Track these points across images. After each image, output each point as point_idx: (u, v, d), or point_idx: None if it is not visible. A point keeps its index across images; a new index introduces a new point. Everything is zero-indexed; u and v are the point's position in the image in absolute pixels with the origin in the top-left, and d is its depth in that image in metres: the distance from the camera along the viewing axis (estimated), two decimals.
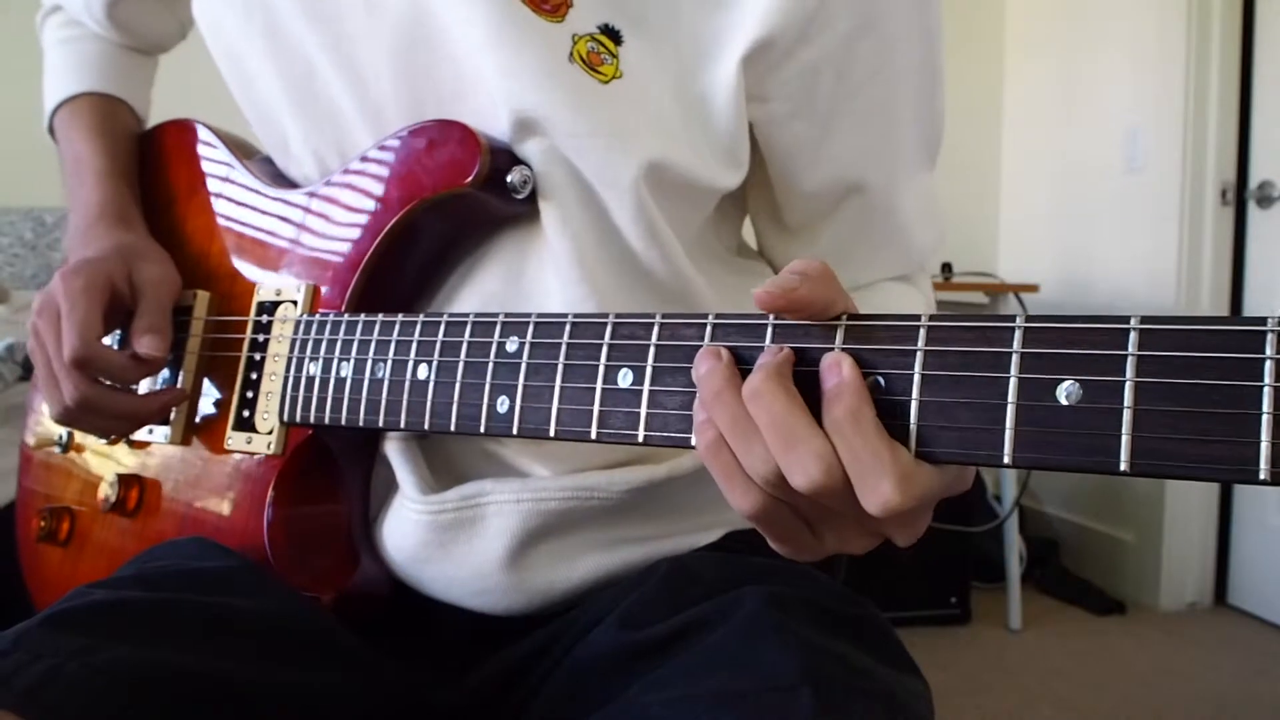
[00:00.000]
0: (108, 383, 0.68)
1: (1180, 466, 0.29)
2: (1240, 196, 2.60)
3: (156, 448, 0.74)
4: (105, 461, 0.78)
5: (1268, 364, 0.29)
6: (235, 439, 0.67)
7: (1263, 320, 0.29)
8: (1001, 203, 3.32)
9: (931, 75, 0.66)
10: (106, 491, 0.74)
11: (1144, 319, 0.31)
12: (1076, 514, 2.97)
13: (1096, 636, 2.44)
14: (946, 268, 2.80)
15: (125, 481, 0.74)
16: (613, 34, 0.59)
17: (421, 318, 0.57)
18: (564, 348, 0.50)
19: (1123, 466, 0.30)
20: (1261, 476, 0.28)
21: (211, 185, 0.78)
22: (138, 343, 0.67)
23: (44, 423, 0.84)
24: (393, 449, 0.64)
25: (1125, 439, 0.30)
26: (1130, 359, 0.31)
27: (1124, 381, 0.31)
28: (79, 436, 0.80)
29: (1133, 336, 0.31)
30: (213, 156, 0.79)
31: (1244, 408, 0.29)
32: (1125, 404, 0.31)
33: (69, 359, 0.65)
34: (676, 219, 0.62)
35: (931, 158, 0.71)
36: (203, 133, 0.81)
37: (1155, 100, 2.66)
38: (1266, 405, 0.28)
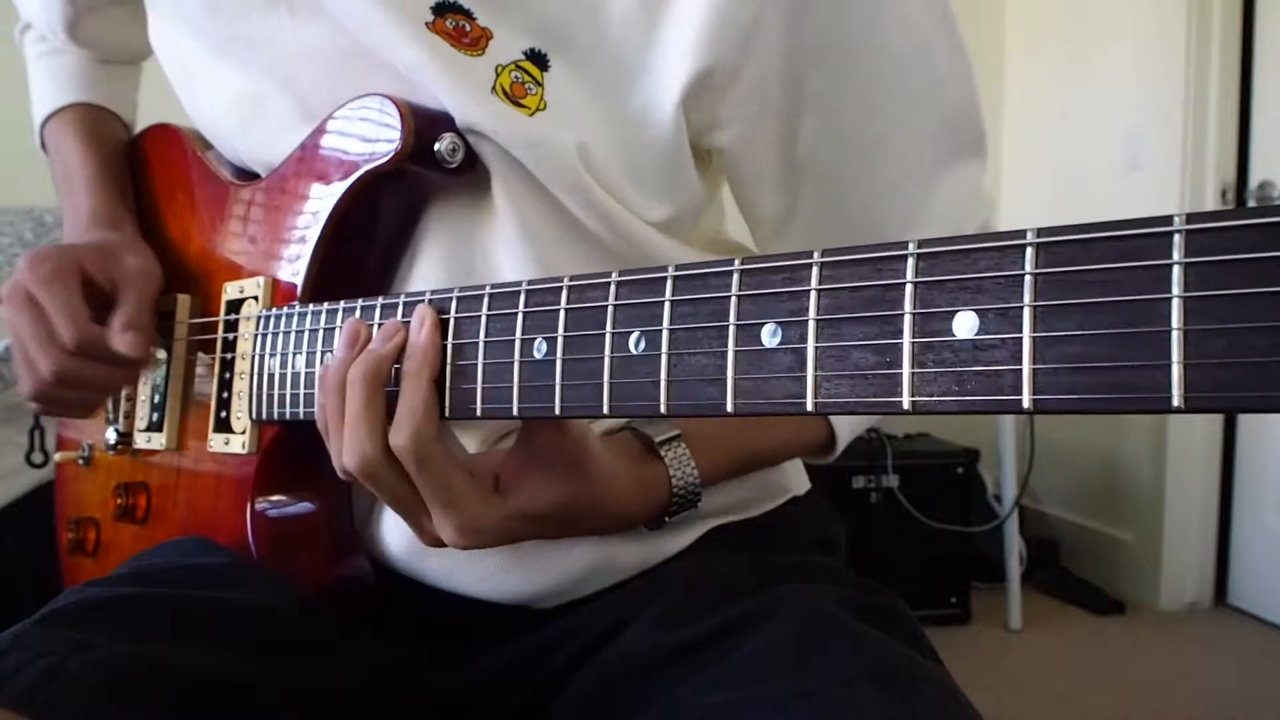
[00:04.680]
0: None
1: (1087, 400, 0.26)
2: (1240, 196, 2.58)
3: (157, 454, 0.75)
4: (117, 471, 0.79)
5: (1175, 270, 0.24)
6: (216, 440, 0.67)
7: (1169, 219, 0.25)
8: (1001, 202, 3.30)
9: (922, 62, 0.60)
10: (116, 500, 0.75)
11: (1041, 230, 0.27)
12: (1076, 514, 2.94)
13: (1096, 636, 2.42)
14: None
15: (132, 489, 0.75)
16: (538, 58, 0.58)
17: (360, 303, 0.56)
18: (484, 321, 0.48)
19: (1025, 404, 0.26)
20: (1175, 403, 0.24)
21: (187, 187, 0.79)
22: (115, 340, 0.67)
23: (71, 436, 0.86)
24: None
25: (1025, 373, 0.27)
26: (1028, 279, 0.27)
27: (1022, 307, 0.27)
28: (99, 449, 0.81)
29: (1029, 253, 0.27)
30: (187, 158, 0.80)
31: (1151, 325, 0.25)
32: (1024, 332, 0.27)
33: (72, 346, 0.65)
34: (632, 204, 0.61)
35: (955, 150, 0.65)
36: (179, 135, 0.81)
37: (1155, 99, 2.64)
38: (1176, 320, 0.24)
